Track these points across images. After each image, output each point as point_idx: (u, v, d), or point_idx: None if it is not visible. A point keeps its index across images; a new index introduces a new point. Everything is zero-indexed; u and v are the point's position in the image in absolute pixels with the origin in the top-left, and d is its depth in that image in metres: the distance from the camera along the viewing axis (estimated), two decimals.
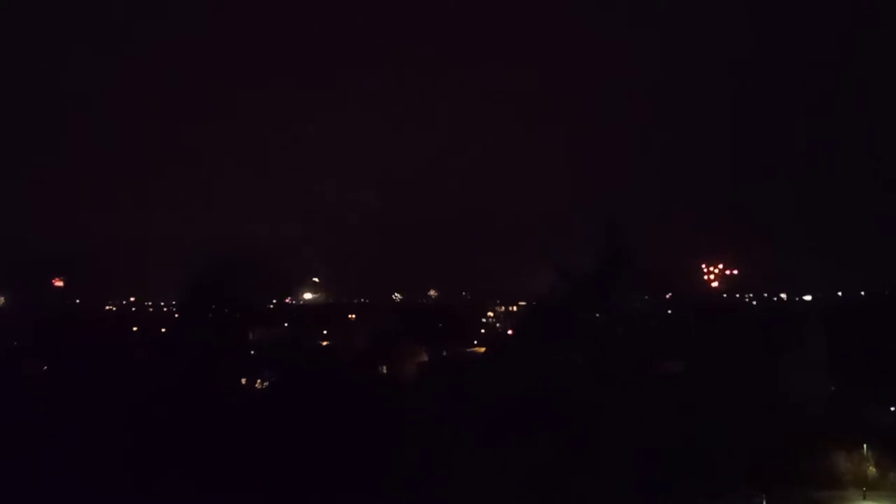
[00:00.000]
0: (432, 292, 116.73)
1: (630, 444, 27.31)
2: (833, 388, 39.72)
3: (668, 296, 52.85)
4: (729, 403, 32.06)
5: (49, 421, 29.76)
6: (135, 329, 63.35)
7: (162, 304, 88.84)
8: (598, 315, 39.08)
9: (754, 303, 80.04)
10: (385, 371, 55.33)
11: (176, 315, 67.52)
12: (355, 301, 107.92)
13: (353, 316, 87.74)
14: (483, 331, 79.22)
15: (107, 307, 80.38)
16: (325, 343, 68.26)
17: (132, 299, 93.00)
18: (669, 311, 51.51)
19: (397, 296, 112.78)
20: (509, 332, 71.08)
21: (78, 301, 56.18)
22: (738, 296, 78.72)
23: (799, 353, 38.66)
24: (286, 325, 73.92)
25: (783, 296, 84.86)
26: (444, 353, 62.10)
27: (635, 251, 36.57)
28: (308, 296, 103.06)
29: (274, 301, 79.95)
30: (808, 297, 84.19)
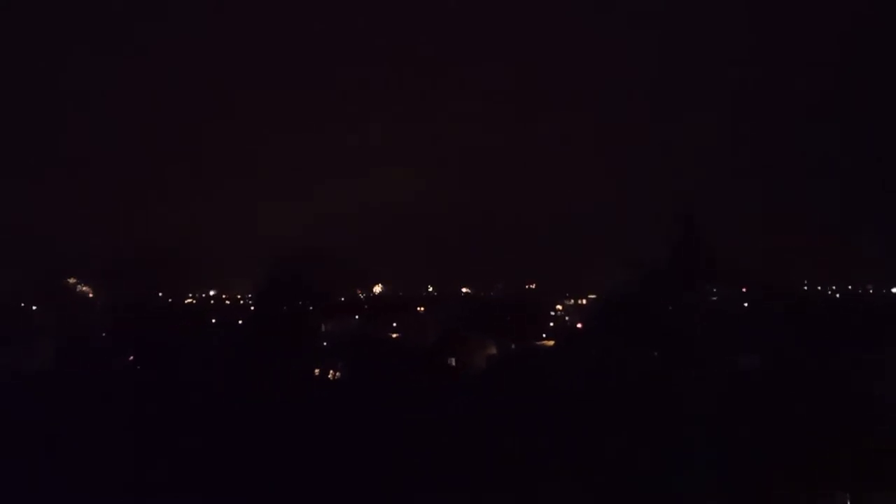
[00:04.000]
0: (500, 286, 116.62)
1: (706, 443, 26.53)
2: None
3: (743, 289, 51.03)
4: (811, 402, 30.73)
5: (132, 412, 31.04)
6: (213, 321, 65.61)
7: (238, 296, 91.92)
8: (670, 308, 38.09)
9: (837, 295, 76.54)
10: (453, 363, 55.52)
11: (252, 308, 69.56)
12: (424, 294, 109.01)
13: (422, 309, 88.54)
14: (552, 324, 78.59)
15: (186, 300, 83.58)
16: (394, 335, 69.08)
17: (212, 293, 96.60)
18: (746, 304, 49.74)
19: (465, 289, 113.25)
20: (578, 325, 70.40)
21: (160, 294, 58.68)
22: (819, 288, 75.47)
23: (890, 348, 36.72)
24: (357, 317, 75.23)
25: (869, 288, 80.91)
26: (513, 346, 61.90)
27: (708, 240, 35.51)
28: (378, 289, 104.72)
29: (345, 294, 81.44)
30: None
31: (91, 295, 72.66)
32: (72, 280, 73.22)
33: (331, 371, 48.52)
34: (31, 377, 40.74)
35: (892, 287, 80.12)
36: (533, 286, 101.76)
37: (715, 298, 44.64)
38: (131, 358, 48.05)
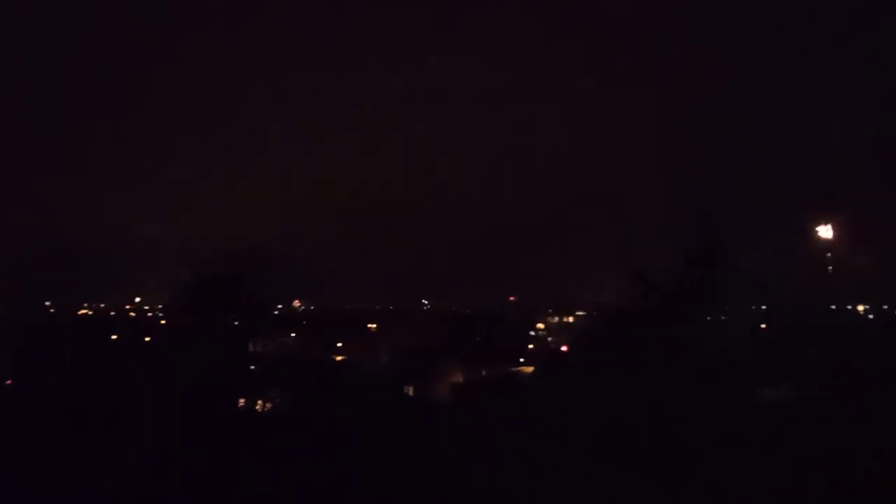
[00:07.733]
0: (464, 300, 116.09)
1: (726, 490, 26.07)
2: None
3: (763, 307, 51.07)
4: (845, 440, 30.50)
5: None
6: (113, 337, 63.68)
7: (146, 308, 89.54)
8: (679, 328, 37.61)
9: (871, 316, 77.55)
10: (411, 393, 54.82)
11: (162, 322, 67.71)
12: (377, 307, 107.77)
13: (374, 326, 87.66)
14: (531, 346, 78.31)
15: (80, 311, 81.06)
16: (339, 357, 68.06)
17: (108, 304, 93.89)
18: (766, 325, 49.82)
19: (426, 302, 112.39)
20: (564, 348, 69.97)
21: (47, 303, 56.41)
22: (848, 307, 76.30)
23: None
24: (293, 335, 73.84)
25: None
26: (484, 373, 61.41)
27: (730, 249, 34.97)
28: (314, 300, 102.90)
29: (279, 306, 79.64)
30: None
31: None
32: None
33: (259, 402, 47.31)
34: None
35: None
36: (509, 300, 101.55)
37: (726, 318, 44.34)
38: (8, 381, 46.52)
